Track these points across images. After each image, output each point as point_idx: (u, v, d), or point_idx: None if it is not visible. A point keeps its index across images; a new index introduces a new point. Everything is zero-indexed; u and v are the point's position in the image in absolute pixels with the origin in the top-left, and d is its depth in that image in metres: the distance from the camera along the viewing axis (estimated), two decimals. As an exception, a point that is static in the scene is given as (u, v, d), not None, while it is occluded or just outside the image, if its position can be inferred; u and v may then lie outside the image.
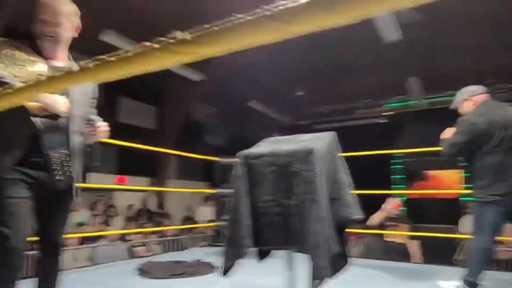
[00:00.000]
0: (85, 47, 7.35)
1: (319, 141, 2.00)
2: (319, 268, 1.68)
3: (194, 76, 7.39)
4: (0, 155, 1.49)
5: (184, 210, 9.05)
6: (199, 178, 10.25)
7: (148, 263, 3.28)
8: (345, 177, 2.07)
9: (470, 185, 2.52)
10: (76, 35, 1.73)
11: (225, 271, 2.01)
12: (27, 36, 1.63)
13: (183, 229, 7.15)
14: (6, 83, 1.31)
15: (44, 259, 1.70)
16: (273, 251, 2.18)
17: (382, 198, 4.77)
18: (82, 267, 3.74)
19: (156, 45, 0.54)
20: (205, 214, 7.41)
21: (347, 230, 2.10)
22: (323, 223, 1.74)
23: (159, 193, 9.08)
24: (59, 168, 1.61)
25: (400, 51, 6.74)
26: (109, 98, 8.02)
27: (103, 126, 1.75)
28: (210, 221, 8.18)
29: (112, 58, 0.60)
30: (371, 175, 6.12)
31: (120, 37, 5.65)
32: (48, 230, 1.67)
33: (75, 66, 1.31)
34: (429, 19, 5.79)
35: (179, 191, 9.26)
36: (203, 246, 5.27)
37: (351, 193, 2.06)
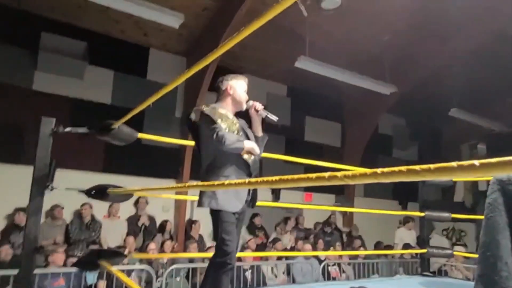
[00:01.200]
0: (280, 73, 8.02)
1: None
2: None
3: (385, 89, 7.06)
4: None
5: (375, 230, 8.60)
6: (388, 196, 9.66)
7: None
8: None
9: None
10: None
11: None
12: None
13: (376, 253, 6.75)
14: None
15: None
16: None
17: None
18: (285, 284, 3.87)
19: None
20: (403, 237, 6.78)
21: None
22: None
23: (345, 212, 8.93)
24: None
25: None
26: (295, 118, 8.51)
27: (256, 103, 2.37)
28: (407, 245, 7.51)
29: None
30: None
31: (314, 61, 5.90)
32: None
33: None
34: None
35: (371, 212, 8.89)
36: (407, 274, 4.78)
37: None
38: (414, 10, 6.06)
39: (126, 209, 6.08)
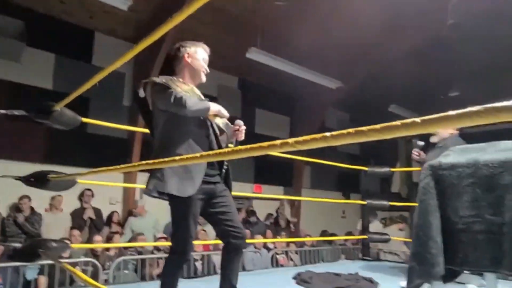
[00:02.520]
0: (232, 65, 8.02)
1: (531, 149, 1.70)
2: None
3: (331, 83, 7.35)
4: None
5: (320, 220, 9.00)
6: (332, 188, 10.13)
7: (307, 272, 3.29)
8: None
9: None
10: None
11: (413, 290, 1.86)
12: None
13: (322, 240, 7.08)
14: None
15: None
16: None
17: None
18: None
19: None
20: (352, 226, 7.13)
21: None
22: (552, 247, 1.45)
23: (292, 204, 9.24)
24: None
25: None
26: (245, 110, 8.60)
27: (244, 127, 2.10)
28: (349, 233, 7.96)
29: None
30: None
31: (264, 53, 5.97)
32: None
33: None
34: None
35: (315, 201, 9.25)
36: (349, 259, 5.10)
37: None
38: (360, 10, 6.37)
39: (70, 202, 5.81)
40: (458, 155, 1.92)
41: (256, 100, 8.77)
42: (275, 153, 3.69)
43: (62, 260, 2.83)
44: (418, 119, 0.56)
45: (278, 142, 0.77)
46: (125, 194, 6.52)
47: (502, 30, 6.40)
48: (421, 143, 3.41)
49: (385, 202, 4.82)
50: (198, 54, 2.13)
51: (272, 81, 8.26)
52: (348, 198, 10.35)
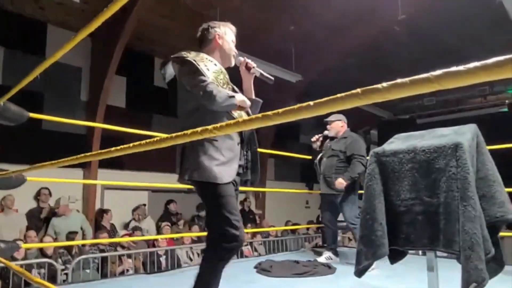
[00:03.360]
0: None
1: (463, 135, 1.85)
2: (476, 269, 1.55)
3: (292, 77, 7.47)
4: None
5: (284, 211, 9.17)
6: (296, 179, 10.33)
7: (267, 261, 3.38)
8: (494, 173, 1.88)
9: None
10: None
11: (361, 272, 1.97)
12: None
13: (286, 230, 7.24)
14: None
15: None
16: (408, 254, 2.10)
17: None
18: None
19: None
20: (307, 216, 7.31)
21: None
22: (477, 222, 1.59)
23: (257, 196, 9.35)
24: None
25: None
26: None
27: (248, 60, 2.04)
28: (310, 222, 8.16)
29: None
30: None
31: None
32: None
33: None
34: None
35: (279, 192, 9.39)
36: (312, 247, 5.26)
37: (503, 190, 1.86)
38: (315, 4, 6.48)
39: (25, 202, 5.57)
40: (400, 142, 2.05)
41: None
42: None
43: (16, 263, 2.74)
44: (311, 102, 0.62)
45: (199, 129, 0.81)
46: (86, 192, 6.33)
47: (448, 26, 6.77)
48: (327, 132, 3.85)
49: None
50: (228, 36, 2.00)
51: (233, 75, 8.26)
52: (311, 188, 10.61)
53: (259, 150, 4.46)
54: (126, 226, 6.25)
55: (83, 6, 5.53)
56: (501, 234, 4.08)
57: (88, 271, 4.44)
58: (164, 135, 1.03)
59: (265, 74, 1.96)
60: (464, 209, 1.61)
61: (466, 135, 1.86)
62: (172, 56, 1.88)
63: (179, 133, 0.89)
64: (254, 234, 6.84)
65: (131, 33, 5.90)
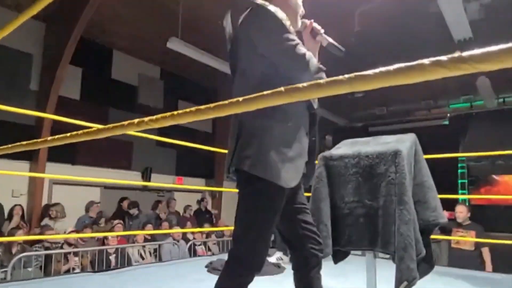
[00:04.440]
0: (154, 54, 7.73)
1: (403, 143, 1.98)
2: (408, 269, 1.67)
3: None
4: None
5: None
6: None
7: (218, 261, 3.40)
8: (429, 180, 2.03)
9: None
10: None
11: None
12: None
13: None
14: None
15: None
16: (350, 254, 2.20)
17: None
18: (151, 263, 3.96)
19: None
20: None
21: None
22: (411, 225, 1.72)
23: (214, 195, 9.33)
24: None
25: (468, 49, 6.42)
26: (168, 102, 8.44)
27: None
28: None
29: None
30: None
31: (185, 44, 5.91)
32: None
33: None
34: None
35: (236, 192, 9.39)
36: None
37: (436, 196, 2.01)
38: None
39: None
40: (347, 147, 2.15)
41: (179, 92, 8.66)
42: (198, 145, 3.70)
43: None
44: (240, 98, 0.65)
45: (135, 120, 0.83)
46: (32, 186, 6.01)
47: (404, 38, 7.13)
48: None
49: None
50: None
51: (194, 72, 8.18)
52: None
53: (215, 149, 4.46)
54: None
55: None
56: (438, 237, 4.38)
57: (30, 269, 4.22)
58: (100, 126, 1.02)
59: (334, 43, 1.52)
60: (400, 213, 1.73)
61: (405, 143, 1.99)
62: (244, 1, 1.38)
63: (115, 125, 0.88)
64: (208, 234, 6.83)
65: (89, 22, 5.68)
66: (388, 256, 2.69)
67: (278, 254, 3.73)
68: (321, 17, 5.90)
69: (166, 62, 7.96)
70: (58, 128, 5.88)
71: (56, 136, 1.19)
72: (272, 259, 3.65)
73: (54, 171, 5.88)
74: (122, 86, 7.47)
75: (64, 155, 6.09)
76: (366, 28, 6.53)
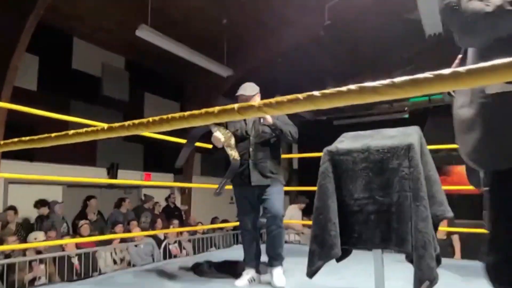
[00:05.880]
0: (119, 43, 7.29)
1: (411, 136, 1.92)
2: (429, 268, 1.60)
3: (223, 71, 7.30)
4: None
5: (210, 207, 9.01)
6: (223, 174, 10.21)
7: (205, 263, 3.20)
8: (434, 173, 1.99)
9: None
10: None
11: (313, 273, 1.94)
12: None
13: (213, 227, 7.10)
14: None
15: None
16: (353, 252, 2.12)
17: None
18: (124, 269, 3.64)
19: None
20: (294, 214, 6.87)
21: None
22: (429, 222, 1.66)
23: (183, 191, 9.05)
24: None
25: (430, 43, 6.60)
26: (134, 94, 8.03)
27: None
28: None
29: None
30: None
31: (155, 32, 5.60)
32: None
33: None
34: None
35: (205, 188, 9.19)
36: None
37: (441, 190, 1.98)
38: (249, 3, 6.43)
39: None
40: (351, 141, 2.06)
41: (145, 84, 8.26)
42: (166, 137, 3.47)
43: None
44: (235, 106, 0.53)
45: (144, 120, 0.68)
46: (-17, 187, 5.47)
47: (368, 35, 7.22)
48: None
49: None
50: None
51: (162, 64, 7.83)
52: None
53: (185, 141, 4.22)
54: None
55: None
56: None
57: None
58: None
59: None
60: (416, 209, 1.66)
61: (413, 136, 1.93)
62: None
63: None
64: (180, 231, 6.59)
65: (48, 5, 5.20)
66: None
67: (249, 274, 2.68)
68: (295, 7, 5.84)
69: (132, 52, 7.54)
70: (13, 121, 5.40)
71: (54, 134, 1.00)
72: (241, 282, 2.63)
73: (10, 169, 5.37)
74: (84, 77, 6.98)
75: (21, 151, 5.57)
76: (335, 22, 6.54)
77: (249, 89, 2.75)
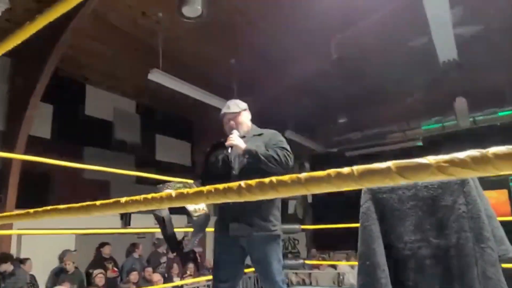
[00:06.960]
0: (130, 88, 7.38)
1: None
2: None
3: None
4: None
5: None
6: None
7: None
8: (489, 208, 1.80)
9: None
10: None
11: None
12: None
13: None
14: None
15: None
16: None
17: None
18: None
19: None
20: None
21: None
22: (498, 266, 1.46)
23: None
24: None
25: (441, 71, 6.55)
26: (145, 136, 8.01)
27: None
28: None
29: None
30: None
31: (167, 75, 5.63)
32: None
33: None
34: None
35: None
36: None
37: (499, 226, 1.79)
38: (255, 40, 6.50)
39: None
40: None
41: (156, 126, 8.27)
42: (177, 179, 3.33)
43: None
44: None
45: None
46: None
47: (376, 66, 7.22)
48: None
49: (297, 226, 4.85)
50: None
51: (172, 105, 7.88)
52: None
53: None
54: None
55: (5, 25, 4.81)
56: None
57: None
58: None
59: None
60: (482, 252, 1.48)
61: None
62: None
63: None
64: (194, 276, 6.31)
65: (61, 56, 5.28)
66: None
67: None
68: (299, 44, 5.86)
69: (142, 96, 7.61)
70: (28, 169, 5.34)
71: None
72: None
73: (21, 225, 5.23)
74: (96, 122, 6.99)
75: (36, 200, 5.48)
76: (342, 56, 6.56)
77: (233, 106, 2.40)
